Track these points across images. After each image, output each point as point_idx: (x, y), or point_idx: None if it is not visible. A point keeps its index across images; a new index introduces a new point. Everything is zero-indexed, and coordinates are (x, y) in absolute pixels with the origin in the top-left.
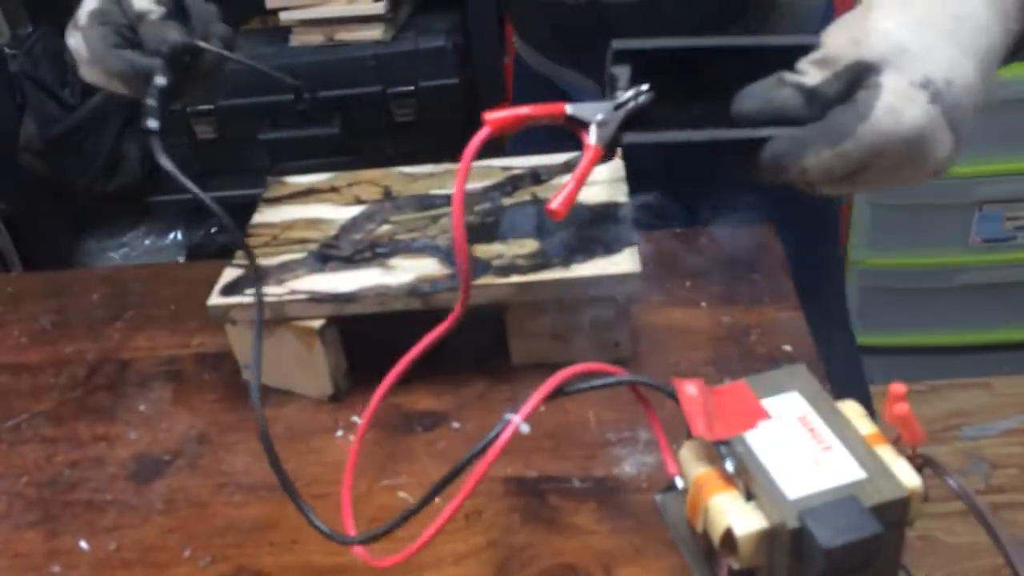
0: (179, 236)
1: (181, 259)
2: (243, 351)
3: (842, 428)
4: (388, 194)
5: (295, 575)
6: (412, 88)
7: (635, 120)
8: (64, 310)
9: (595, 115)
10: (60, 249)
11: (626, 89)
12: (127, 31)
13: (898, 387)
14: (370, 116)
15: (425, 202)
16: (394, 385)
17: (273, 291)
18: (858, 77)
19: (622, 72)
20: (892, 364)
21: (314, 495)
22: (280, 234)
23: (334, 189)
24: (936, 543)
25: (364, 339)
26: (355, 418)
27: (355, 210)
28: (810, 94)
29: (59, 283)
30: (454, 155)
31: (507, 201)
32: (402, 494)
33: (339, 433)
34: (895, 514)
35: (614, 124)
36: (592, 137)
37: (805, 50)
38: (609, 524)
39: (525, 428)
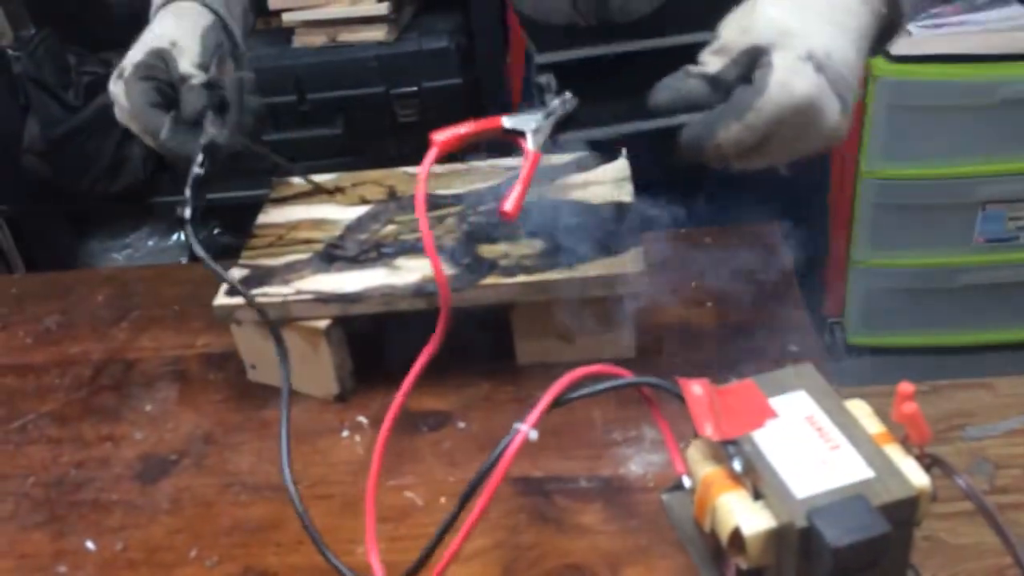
0: (182, 237)
1: (184, 260)
2: (248, 351)
3: (850, 427)
4: (393, 194)
5: (302, 575)
6: (415, 89)
7: (566, 122)
8: (69, 311)
9: (529, 124)
10: (63, 250)
11: (553, 97)
12: (168, 88)
13: (906, 386)
14: (373, 117)
15: (430, 202)
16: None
17: (279, 291)
18: (752, 60)
19: (548, 82)
20: (894, 364)
21: (319, 495)
22: (285, 234)
23: (339, 189)
24: (940, 544)
25: (369, 339)
26: (361, 418)
27: (360, 210)
28: (713, 80)
29: (63, 284)
30: (457, 155)
31: None
32: (408, 494)
33: (345, 433)
34: (903, 513)
35: (547, 130)
36: (530, 143)
37: (705, 44)
38: (615, 524)
39: (534, 435)
